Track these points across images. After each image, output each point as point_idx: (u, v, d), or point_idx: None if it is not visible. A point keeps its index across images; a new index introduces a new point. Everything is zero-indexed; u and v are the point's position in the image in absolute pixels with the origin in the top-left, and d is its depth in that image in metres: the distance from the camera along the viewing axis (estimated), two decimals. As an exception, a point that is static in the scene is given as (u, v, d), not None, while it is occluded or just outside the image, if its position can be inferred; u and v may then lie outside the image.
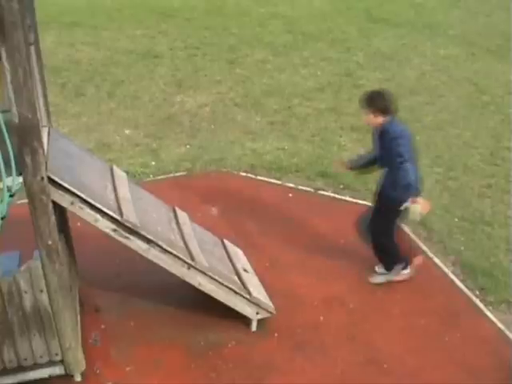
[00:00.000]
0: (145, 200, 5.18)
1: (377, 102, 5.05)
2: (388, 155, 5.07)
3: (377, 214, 5.41)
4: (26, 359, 4.38)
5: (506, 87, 10.12)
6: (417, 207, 4.95)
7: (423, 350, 4.93)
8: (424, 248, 6.17)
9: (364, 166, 5.63)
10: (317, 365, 4.78)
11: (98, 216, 4.36)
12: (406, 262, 5.61)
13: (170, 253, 4.65)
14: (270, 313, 5.08)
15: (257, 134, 8.56)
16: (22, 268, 4.16)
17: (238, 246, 5.75)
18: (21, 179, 3.96)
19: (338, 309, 5.36)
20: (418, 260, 5.67)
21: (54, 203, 4.10)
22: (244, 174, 7.55)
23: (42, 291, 4.20)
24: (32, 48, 4.48)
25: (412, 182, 4.91)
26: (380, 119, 5.06)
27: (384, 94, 5.16)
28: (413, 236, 6.35)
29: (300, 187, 7.27)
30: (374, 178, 7.38)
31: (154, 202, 5.32)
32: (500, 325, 5.23)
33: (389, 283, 5.63)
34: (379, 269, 5.70)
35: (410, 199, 4.98)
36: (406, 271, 5.64)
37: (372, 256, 5.65)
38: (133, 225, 4.45)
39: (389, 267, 5.63)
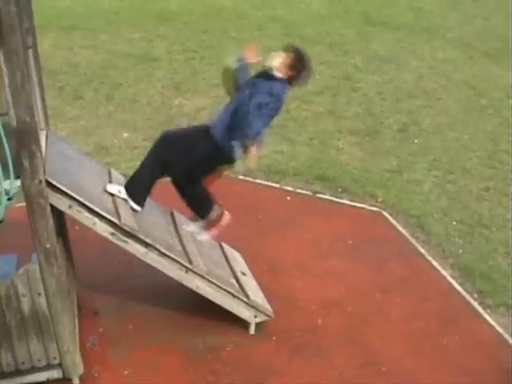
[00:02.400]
0: (143, 203, 5.17)
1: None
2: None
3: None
4: (23, 363, 4.37)
5: (504, 90, 10.14)
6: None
7: (422, 353, 4.93)
8: (422, 251, 6.17)
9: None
10: (315, 367, 4.78)
11: (96, 219, 4.36)
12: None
13: (168, 256, 4.65)
14: (268, 316, 5.07)
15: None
16: (20, 271, 4.16)
17: (235, 249, 5.75)
18: (19, 182, 3.95)
19: (336, 312, 5.35)
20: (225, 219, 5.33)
21: (52, 206, 4.10)
22: (242, 177, 7.54)
23: (40, 295, 4.20)
24: (30, 51, 4.48)
25: None
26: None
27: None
28: (411, 239, 6.36)
29: (298, 190, 7.27)
30: (373, 181, 7.44)
31: (151, 206, 5.31)
32: (498, 328, 5.23)
33: (386, 286, 5.64)
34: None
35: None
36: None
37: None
38: (131, 228, 4.45)
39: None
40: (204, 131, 4.93)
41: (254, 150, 4.72)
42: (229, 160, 4.96)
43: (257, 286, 5.27)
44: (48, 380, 4.51)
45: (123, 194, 4.83)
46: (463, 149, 8.31)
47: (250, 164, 4.81)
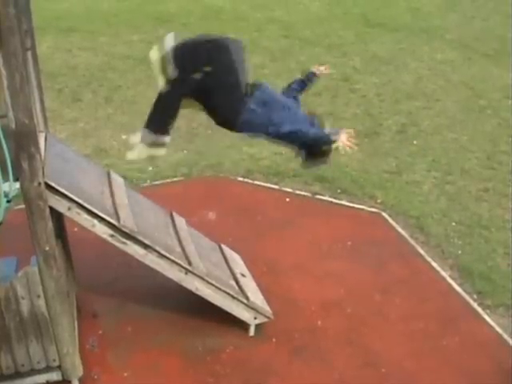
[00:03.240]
0: (142, 205, 5.17)
1: None
2: None
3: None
4: (23, 365, 4.36)
5: (503, 91, 10.14)
6: None
7: (421, 354, 4.93)
8: (422, 252, 6.17)
9: None
10: (315, 369, 4.78)
11: (95, 221, 4.36)
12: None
13: (168, 258, 4.65)
14: (268, 317, 5.07)
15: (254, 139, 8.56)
16: (19, 274, 4.15)
17: (235, 250, 5.75)
18: (18, 185, 3.95)
19: (335, 313, 5.35)
20: None
21: (51, 208, 4.10)
22: (241, 178, 7.54)
23: (39, 297, 4.19)
24: (29, 53, 4.48)
25: None
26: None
27: None
28: (410, 240, 6.35)
29: (297, 192, 7.26)
30: (372, 182, 7.44)
31: (151, 207, 5.31)
32: (498, 328, 5.23)
33: (386, 287, 5.64)
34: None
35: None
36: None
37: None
38: (130, 230, 4.44)
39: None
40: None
41: (340, 138, 4.38)
42: (224, 118, 4.55)
43: (256, 288, 5.27)
44: (47, 382, 4.50)
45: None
46: (462, 150, 8.30)
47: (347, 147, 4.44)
